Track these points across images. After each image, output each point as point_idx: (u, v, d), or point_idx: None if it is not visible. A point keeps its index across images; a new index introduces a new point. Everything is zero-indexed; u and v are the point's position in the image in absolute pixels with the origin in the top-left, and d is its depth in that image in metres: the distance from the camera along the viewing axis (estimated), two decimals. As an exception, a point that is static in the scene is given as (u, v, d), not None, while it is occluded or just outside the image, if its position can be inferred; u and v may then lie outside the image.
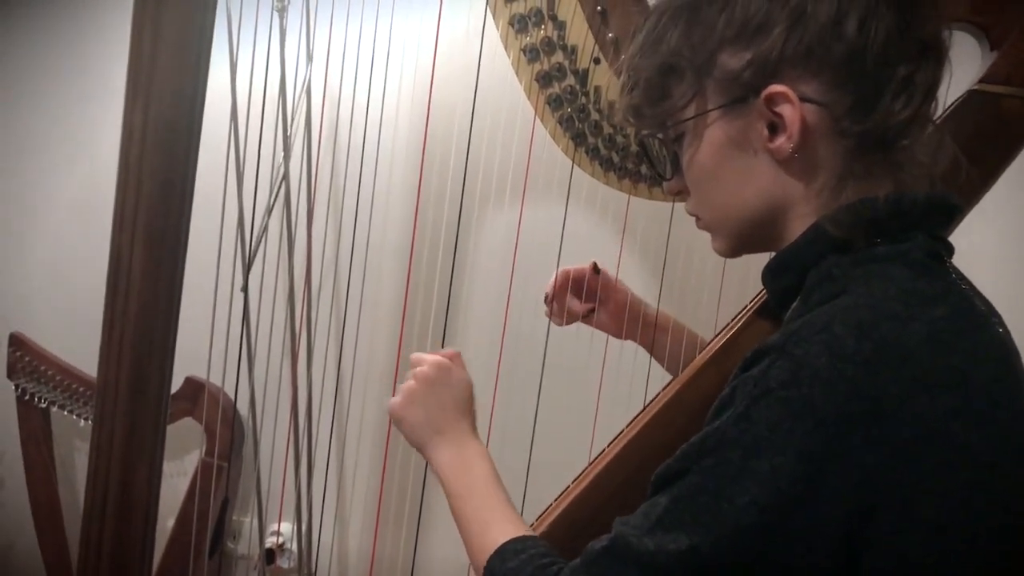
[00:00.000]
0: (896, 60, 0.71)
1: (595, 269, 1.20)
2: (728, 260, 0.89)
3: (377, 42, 1.36)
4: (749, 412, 0.64)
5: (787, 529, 0.62)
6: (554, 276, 1.20)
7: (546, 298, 1.21)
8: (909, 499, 0.62)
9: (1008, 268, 1.53)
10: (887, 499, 0.62)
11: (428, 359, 0.98)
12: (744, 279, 1.10)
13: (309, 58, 1.69)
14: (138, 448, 1.02)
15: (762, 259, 0.83)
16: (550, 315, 1.22)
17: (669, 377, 1.15)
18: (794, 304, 0.78)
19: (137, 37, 0.96)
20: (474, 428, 0.97)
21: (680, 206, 0.90)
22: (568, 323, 1.23)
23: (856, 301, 0.67)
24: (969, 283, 0.74)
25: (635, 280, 1.53)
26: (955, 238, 0.77)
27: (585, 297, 1.20)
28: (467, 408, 0.97)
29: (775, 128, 0.73)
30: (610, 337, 1.24)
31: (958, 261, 0.76)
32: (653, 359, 1.22)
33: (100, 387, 1.01)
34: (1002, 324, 0.73)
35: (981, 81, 0.98)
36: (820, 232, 0.74)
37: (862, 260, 0.71)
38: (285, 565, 1.92)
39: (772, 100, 0.72)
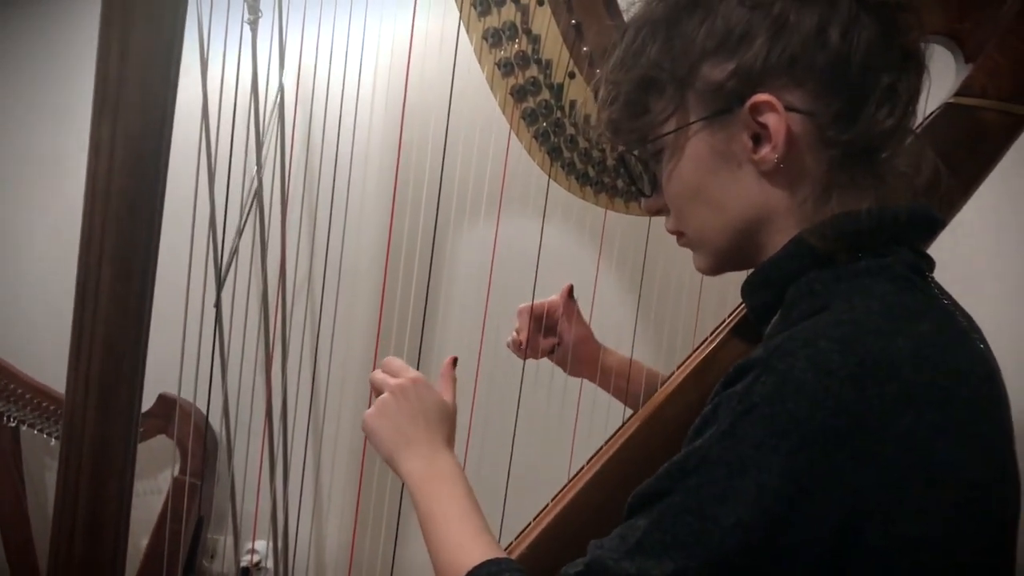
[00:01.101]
0: (879, 69, 0.71)
1: (570, 294, 1.19)
2: (706, 274, 0.87)
3: (350, 54, 1.35)
4: (733, 429, 0.63)
5: (773, 548, 0.61)
6: (527, 316, 1.18)
7: (518, 344, 1.19)
8: (893, 516, 0.61)
9: (1010, 284, 1.54)
10: (872, 516, 0.61)
11: (406, 373, 0.96)
12: (722, 293, 1.10)
13: (281, 66, 1.68)
14: (108, 467, 1.00)
15: (741, 273, 0.83)
16: (523, 356, 1.21)
17: (648, 392, 1.13)
18: (774, 319, 0.77)
19: (104, 49, 0.94)
20: (449, 445, 0.94)
21: (656, 219, 0.89)
22: (538, 357, 1.22)
23: (840, 316, 0.66)
24: (950, 298, 0.74)
25: (612, 294, 1.52)
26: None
27: (545, 332, 1.19)
28: (441, 424, 0.94)
29: (759, 139, 0.72)
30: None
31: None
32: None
33: (68, 407, 0.99)
34: (983, 340, 0.72)
35: (957, 94, 0.98)
36: (802, 245, 0.73)
37: (844, 275, 0.70)
38: (261, 584, 1.90)
39: (757, 109, 0.71)
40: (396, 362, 0.97)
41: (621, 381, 1.18)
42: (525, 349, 1.19)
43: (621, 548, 0.66)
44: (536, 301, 1.19)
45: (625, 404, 1.19)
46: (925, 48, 0.75)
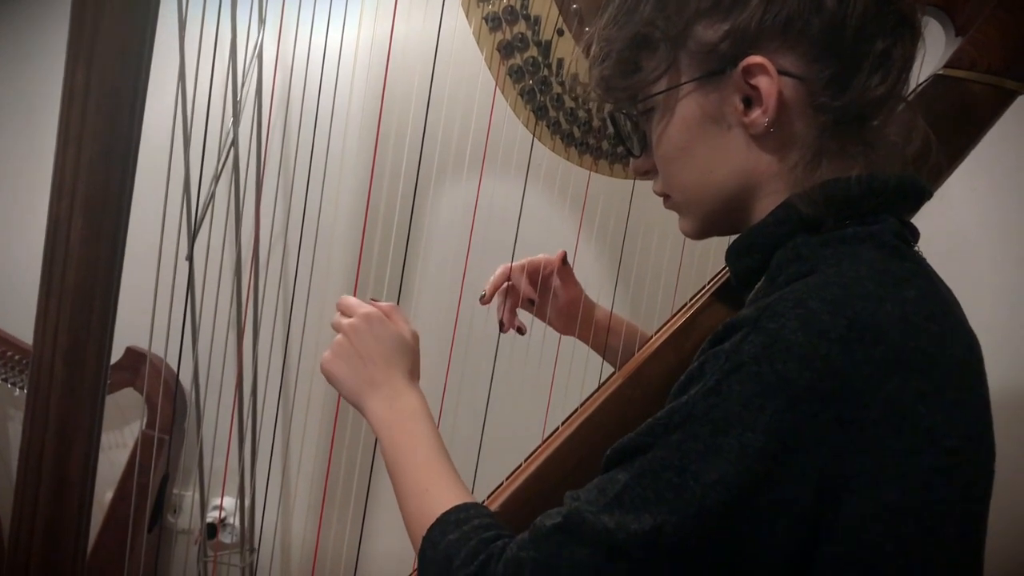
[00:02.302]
0: (874, 34, 0.70)
1: (564, 260, 1.18)
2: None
3: (333, 5, 1.32)
4: (720, 386, 0.62)
5: (754, 508, 0.61)
6: (506, 274, 1.18)
7: (484, 297, 1.18)
8: (874, 481, 0.62)
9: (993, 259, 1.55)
10: (853, 480, 0.61)
11: (358, 310, 0.93)
12: (704, 258, 1.09)
13: (261, 21, 1.64)
14: (75, 420, 0.98)
15: (723, 238, 0.82)
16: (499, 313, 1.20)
17: (626, 354, 1.13)
18: (758, 284, 0.77)
19: (80, -3, 0.91)
20: (412, 380, 0.92)
21: (640, 184, 0.89)
22: (507, 329, 1.20)
23: (828, 279, 0.66)
24: (931, 268, 0.74)
25: (593, 258, 1.52)
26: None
27: (539, 288, 1.18)
28: (400, 359, 0.92)
29: (750, 102, 0.72)
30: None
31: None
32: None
33: (35, 359, 0.97)
34: (961, 310, 0.73)
35: (946, 66, 0.98)
36: (790, 211, 0.72)
37: (831, 240, 0.70)
38: (227, 540, 1.89)
39: (749, 72, 0.71)
40: (349, 300, 0.95)
41: (615, 340, 1.18)
42: (503, 301, 1.18)
43: (600, 501, 0.65)
44: (531, 257, 1.18)
45: (603, 358, 1.19)
46: (921, 15, 0.75)
